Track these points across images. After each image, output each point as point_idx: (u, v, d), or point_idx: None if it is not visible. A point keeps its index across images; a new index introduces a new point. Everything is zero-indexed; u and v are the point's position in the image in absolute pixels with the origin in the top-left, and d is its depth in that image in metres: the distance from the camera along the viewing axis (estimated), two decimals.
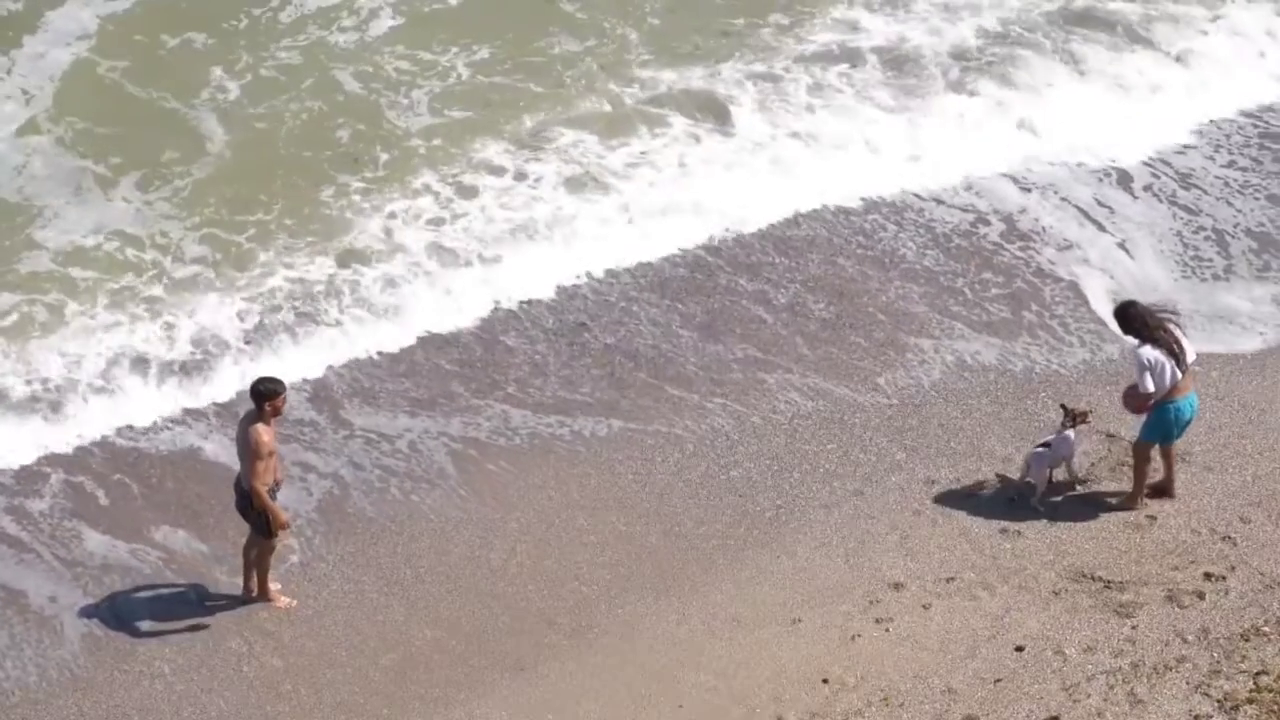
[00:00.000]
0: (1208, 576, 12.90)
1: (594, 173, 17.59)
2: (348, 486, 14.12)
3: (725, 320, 15.93)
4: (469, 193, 17.33)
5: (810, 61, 19.35)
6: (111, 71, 18.96)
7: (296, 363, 15.18)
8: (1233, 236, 17.09)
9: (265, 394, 12.35)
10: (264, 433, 12.31)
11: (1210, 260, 16.77)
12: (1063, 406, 13.82)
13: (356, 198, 17.21)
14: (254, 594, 12.98)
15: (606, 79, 19.04)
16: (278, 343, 15.41)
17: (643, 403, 14.95)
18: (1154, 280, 16.49)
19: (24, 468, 14.15)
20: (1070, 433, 13.63)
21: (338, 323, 15.69)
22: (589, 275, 16.39)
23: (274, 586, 13.02)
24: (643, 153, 17.93)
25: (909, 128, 18.33)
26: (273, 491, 12.53)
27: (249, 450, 12.31)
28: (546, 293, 16.18)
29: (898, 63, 19.33)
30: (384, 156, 17.83)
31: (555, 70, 19.18)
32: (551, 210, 17.09)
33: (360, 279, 16.18)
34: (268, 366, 14.60)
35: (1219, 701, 11.79)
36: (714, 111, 18.51)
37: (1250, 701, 11.76)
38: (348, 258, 16.43)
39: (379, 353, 15.46)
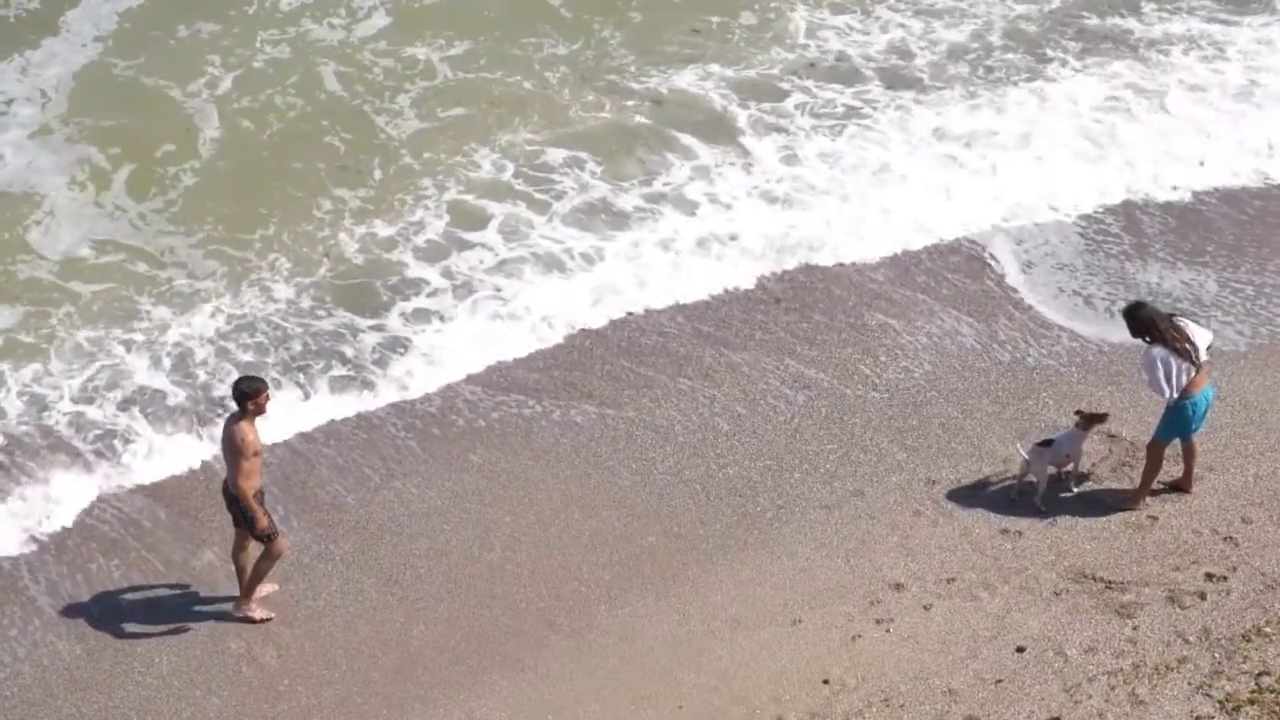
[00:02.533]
0: (1209, 577, 12.88)
1: (602, 204, 17.36)
2: (347, 488, 14.10)
3: (727, 319, 15.98)
4: (468, 218, 17.11)
5: (791, 69, 19.39)
6: (127, 70, 18.93)
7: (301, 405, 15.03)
8: (1145, 212, 17.25)
9: (248, 393, 12.29)
10: (249, 431, 12.26)
11: (1118, 235, 16.91)
12: (1078, 412, 13.79)
13: (349, 220, 16.97)
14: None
15: (600, 86, 19.00)
16: (270, 372, 15.18)
17: (642, 400, 14.94)
18: (1057, 249, 16.70)
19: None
20: (1079, 431, 13.60)
21: (347, 361, 15.41)
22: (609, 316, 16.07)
23: (266, 589, 12.96)
24: (659, 194, 17.53)
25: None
26: (259, 496, 12.49)
27: (234, 449, 12.26)
28: (564, 333, 15.89)
29: (884, 74, 19.42)
30: (383, 172, 17.66)
31: (550, 82, 19.10)
32: (562, 246, 16.80)
33: (365, 314, 15.94)
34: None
35: (1220, 702, 11.77)
36: (721, 132, 18.40)
37: (1252, 702, 11.75)
38: (350, 293, 16.15)
39: (390, 387, 15.26)
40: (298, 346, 15.46)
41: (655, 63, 19.51)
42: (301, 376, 15.15)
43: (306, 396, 14.95)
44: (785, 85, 19.15)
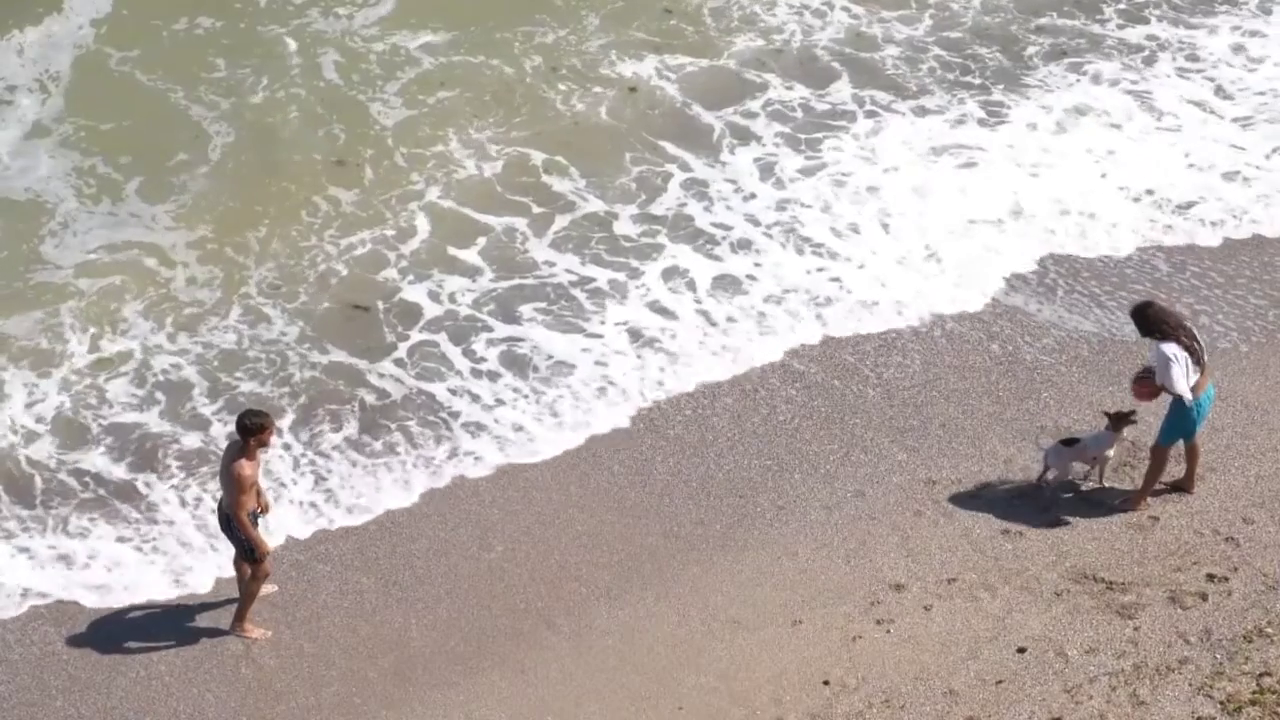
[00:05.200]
0: (1210, 578, 12.86)
1: (594, 221, 16.80)
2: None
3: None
4: (462, 233, 16.65)
5: (760, 59, 19.10)
6: (123, 64, 18.69)
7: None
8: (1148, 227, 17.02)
9: (251, 429, 12.18)
10: (245, 468, 12.19)
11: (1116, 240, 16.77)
12: (1106, 414, 13.72)
13: (342, 240, 16.52)
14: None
15: (577, 77, 18.72)
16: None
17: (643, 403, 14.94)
18: (1057, 256, 16.58)
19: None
20: (1110, 433, 13.56)
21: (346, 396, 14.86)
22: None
23: (267, 589, 12.91)
24: (655, 217, 16.89)
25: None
26: (254, 516, 12.46)
27: (232, 483, 12.22)
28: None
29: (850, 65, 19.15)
30: (375, 173, 17.35)
31: (527, 72, 18.78)
32: (571, 278, 16.11)
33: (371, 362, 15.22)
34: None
35: (1221, 703, 11.76)
36: (703, 139, 18.01)
37: (1253, 703, 11.73)
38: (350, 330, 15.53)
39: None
40: (304, 398, 14.79)
41: (630, 50, 19.11)
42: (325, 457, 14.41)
43: (329, 499, 13.97)
44: (758, 79, 18.73)
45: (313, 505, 13.83)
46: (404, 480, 14.05)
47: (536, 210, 16.98)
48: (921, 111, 18.38)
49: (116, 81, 18.52)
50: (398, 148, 17.70)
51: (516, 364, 15.21)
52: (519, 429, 14.54)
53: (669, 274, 16.21)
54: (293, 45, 19.04)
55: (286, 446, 14.28)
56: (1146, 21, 19.81)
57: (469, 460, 14.23)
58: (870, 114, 18.35)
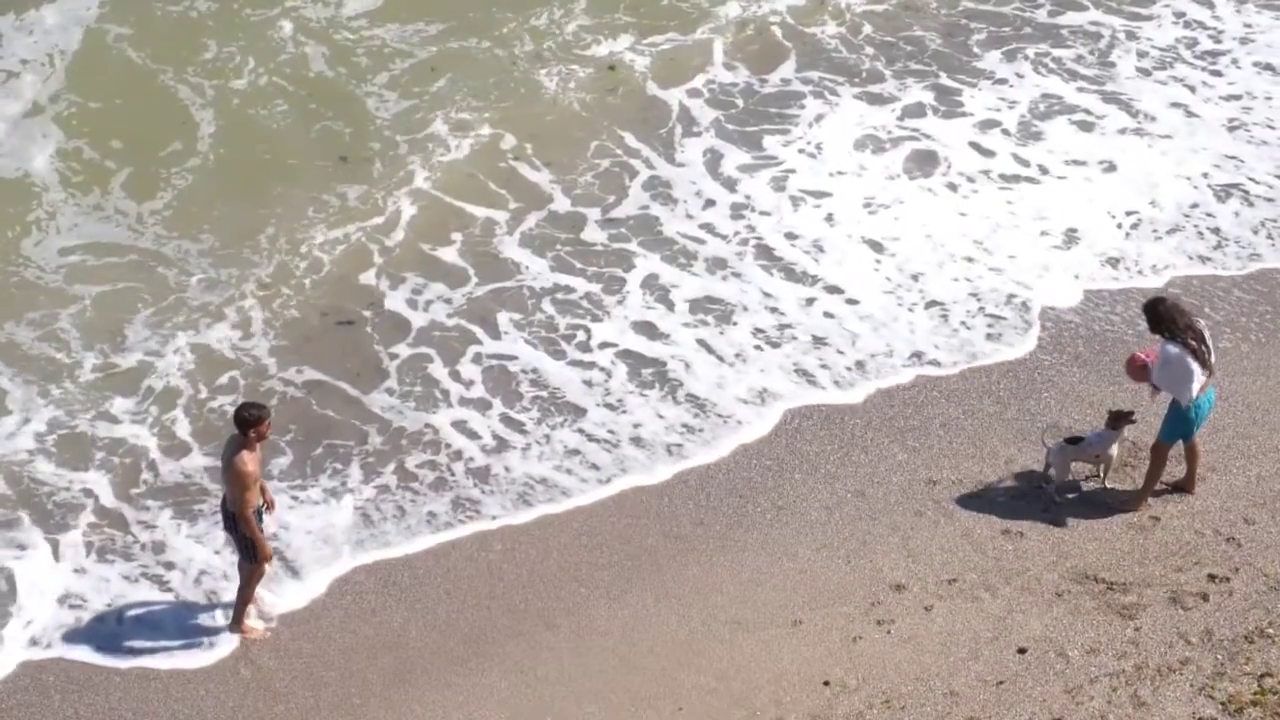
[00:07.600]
0: (1211, 578, 12.85)
1: (560, 220, 16.69)
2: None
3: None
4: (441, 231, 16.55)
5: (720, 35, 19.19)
6: (119, 41, 18.61)
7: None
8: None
9: (249, 420, 12.15)
10: (248, 461, 12.16)
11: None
12: (1110, 413, 13.71)
13: (323, 247, 16.36)
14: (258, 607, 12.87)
15: (554, 60, 18.72)
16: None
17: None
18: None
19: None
20: (1111, 431, 13.54)
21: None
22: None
23: (263, 594, 12.90)
24: (622, 221, 16.72)
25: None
26: (259, 512, 12.43)
27: (235, 479, 12.19)
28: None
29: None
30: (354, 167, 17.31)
31: (506, 60, 18.80)
32: (545, 285, 15.91)
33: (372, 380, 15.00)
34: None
35: (1223, 704, 11.75)
36: (670, 131, 17.94)
37: (1254, 704, 11.73)
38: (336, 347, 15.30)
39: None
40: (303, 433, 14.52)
41: (609, 32, 19.05)
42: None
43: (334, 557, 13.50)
44: (742, 67, 18.75)
45: (319, 557, 13.44)
46: (412, 532, 13.66)
47: (512, 207, 16.91)
48: (875, 99, 18.37)
49: (115, 66, 18.42)
50: (394, 137, 17.68)
51: (509, 393, 14.91)
52: (543, 481, 14.10)
53: (648, 283, 16.07)
54: (286, 28, 19.02)
55: (295, 492, 14.01)
56: (1085, 8, 19.76)
57: (487, 520, 13.76)
58: (817, 95, 18.37)
